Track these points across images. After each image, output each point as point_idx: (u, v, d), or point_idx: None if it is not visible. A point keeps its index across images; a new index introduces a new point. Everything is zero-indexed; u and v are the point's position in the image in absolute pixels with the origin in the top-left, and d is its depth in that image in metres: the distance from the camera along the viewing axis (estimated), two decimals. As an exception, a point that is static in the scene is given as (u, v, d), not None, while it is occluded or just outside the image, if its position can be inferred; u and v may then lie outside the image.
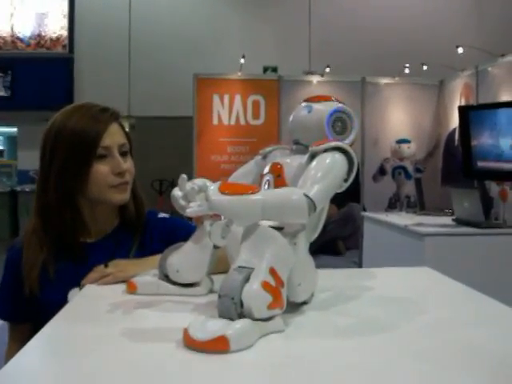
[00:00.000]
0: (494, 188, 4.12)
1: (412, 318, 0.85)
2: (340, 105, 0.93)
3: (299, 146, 0.95)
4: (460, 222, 3.42)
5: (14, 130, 8.71)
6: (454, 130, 5.54)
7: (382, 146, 6.03)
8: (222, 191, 0.78)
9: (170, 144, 7.66)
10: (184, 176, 0.99)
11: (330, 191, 0.84)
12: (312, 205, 0.79)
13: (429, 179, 5.74)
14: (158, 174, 7.65)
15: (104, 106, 1.34)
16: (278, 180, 0.92)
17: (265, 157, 1.02)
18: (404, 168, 5.94)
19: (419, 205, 4.30)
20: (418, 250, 3.17)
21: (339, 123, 0.91)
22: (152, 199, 7.03)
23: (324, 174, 0.83)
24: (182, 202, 0.97)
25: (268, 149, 1.03)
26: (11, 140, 11.32)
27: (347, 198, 5.99)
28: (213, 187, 0.79)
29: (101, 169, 1.27)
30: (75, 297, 1.06)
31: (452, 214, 3.67)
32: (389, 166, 5.97)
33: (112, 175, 1.29)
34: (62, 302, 1.00)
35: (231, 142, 6.02)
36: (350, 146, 0.90)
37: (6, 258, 1.36)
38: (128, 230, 1.37)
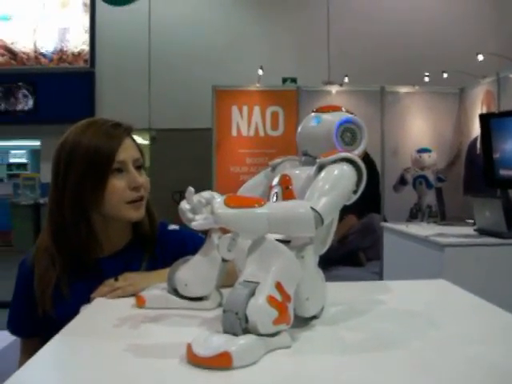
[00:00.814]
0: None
1: (422, 333, 0.83)
2: (349, 115, 0.91)
3: (308, 158, 0.93)
4: (482, 232, 3.36)
5: (38, 143, 8.82)
6: (476, 138, 5.46)
7: (403, 155, 5.96)
8: (228, 204, 0.77)
9: (190, 156, 7.68)
10: (191, 189, 0.99)
11: (337, 204, 0.82)
12: (319, 218, 0.77)
13: (451, 189, 5.67)
14: (179, 185, 7.62)
15: (116, 121, 1.34)
16: (287, 192, 0.91)
17: (274, 168, 1.01)
18: (425, 177, 5.87)
19: (440, 215, 4.24)
20: (438, 261, 3.12)
21: (348, 134, 0.90)
22: (173, 211, 7.05)
23: (332, 186, 0.81)
24: (190, 215, 0.96)
25: (277, 160, 1.02)
26: (35, 153, 11.48)
27: (368, 209, 5.95)
28: (219, 200, 0.78)
29: (117, 184, 1.27)
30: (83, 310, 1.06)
31: (474, 224, 3.61)
32: (409, 176, 5.91)
33: (128, 190, 1.28)
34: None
35: (250, 153, 6.02)
36: (363, 156, 0.88)
37: (18, 275, 1.36)
38: (140, 245, 1.36)
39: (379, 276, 5.40)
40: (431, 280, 1.21)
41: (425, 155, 5.88)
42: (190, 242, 1.26)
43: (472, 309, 0.98)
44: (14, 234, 8.76)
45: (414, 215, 5.71)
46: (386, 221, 5.51)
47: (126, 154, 1.29)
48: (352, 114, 0.92)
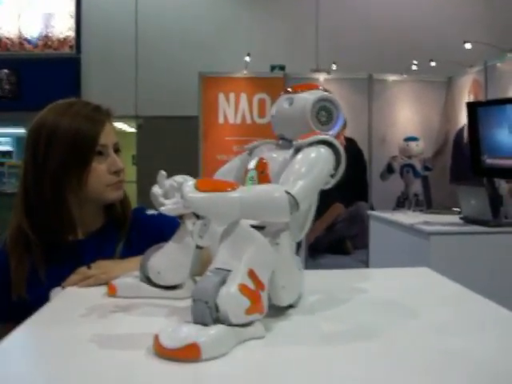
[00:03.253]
0: (504, 186, 4.04)
1: (401, 322, 0.80)
2: (324, 93, 0.87)
3: (285, 141, 0.90)
4: (467, 220, 3.34)
5: (23, 130, 8.72)
6: (463, 127, 5.45)
7: (390, 143, 5.94)
8: (199, 188, 0.73)
9: (177, 143, 7.60)
10: (163, 172, 0.95)
11: (314, 188, 0.79)
12: (294, 203, 0.74)
13: (438, 177, 5.66)
14: (166, 173, 7.60)
15: (96, 104, 1.34)
16: (262, 176, 0.87)
17: (251, 152, 0.97)
18: (412, 166, 5.85)
19: (426, 203, 4.23)
20: (424, 249, 3.11)
21: (324, 113, 0.85)
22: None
23: (308, 170, 0.77)
24: (162, 200, 0.93)
25: (254, 144, 0.98)
26: (19, 141, 11.33)
27: (355, 197, 5.93)
28: (190, 183, 0.74)
29: (98, 167, 1.28)
30: (54, 298, 1.02)
31: (460, 212, 3.60)
32: (397, 164, 5.88)
33: (108, 174, 1.29)
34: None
35: (237, 140, 5.96)
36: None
37: None
38: (114, 228, 1.35)
39: (366, 264, 5.39)
40: (414, 268, 1.18)
41: (412, 144, 5.85)
42: (168, 228, 1.22)
43: (453, 298, 0.96)
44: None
45: (401, 204, 5.70)
46: (373, 209, 5.50)
47: (107, 137, 1.30)
48: (328, 91, 0.88)
